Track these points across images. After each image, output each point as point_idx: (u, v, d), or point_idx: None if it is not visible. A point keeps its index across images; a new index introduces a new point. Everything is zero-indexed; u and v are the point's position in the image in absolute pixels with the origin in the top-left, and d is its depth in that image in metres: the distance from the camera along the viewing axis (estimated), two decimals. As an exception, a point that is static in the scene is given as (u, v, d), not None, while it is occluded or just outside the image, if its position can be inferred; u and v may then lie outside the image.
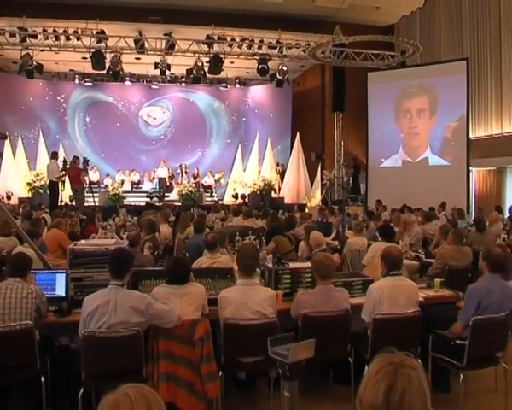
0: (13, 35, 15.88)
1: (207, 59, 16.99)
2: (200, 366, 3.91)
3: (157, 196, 19.06)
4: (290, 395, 2.45)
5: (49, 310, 4.39)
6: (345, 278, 5.20)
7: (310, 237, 6.94)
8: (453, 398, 4.44)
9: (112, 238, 8.11)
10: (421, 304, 4.91)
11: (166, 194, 20.30)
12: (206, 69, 17.33)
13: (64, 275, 4.73)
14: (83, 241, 5.52)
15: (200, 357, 3.91)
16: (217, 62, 16.73)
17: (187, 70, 17.92)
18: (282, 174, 22.33)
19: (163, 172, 21.26)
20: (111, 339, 3.74)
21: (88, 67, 17.78)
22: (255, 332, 3.97)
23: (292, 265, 5.17)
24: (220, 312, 4.17)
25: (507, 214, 12.95)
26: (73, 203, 15.01)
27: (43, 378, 3.99)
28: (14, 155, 19.40)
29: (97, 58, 15.85)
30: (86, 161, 14.92)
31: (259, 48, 17.67)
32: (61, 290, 4.69)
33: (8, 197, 17.96)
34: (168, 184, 21.14)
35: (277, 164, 22.80)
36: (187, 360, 3.90)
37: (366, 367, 4.10)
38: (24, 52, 16.22)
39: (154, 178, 21.65)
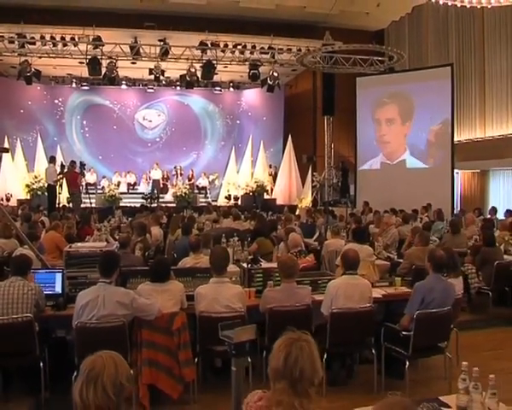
0: (11, 41, 16.40)
1: (201, 64, 17.54)
2: (178, 353, 4.51)
3: (151, 198, 19.58)
4: (236, 369, 3.08)
5: (47, 305, 4.98)
6: (312, 277, 5.76)
7: (288, 239, 7.52)
8: (406, 384, 4.96)
9: (106, 240, 8.64)
10: (380, 300, 5.52)
11: (161, 195, 20.87)
12: (199, 74, 17.87)
13: (61, 274, 5.31)
14: (78, 243, 6.10)
15: (178, 345, 4.51)
16: (209, 68, 17.28)
17: (180, 75, 18.48)
18: (274, 176, 22.88)
19: (157, 174, 21.84)
20: (100, 329, 4.31)
21: (85, 72, 18.22)
22: (225, 324, 4.55)
23: (264, 265, 5.76)
24: (196, 306, 4.77)
25: (487, 215, 13.48)
26: (70, 205, 15.53)
27: (41, 364, 4.57)
28: (13, 158, 19.90)
29: (94, 65, 16.40)
30: (83, 165, 15.45)
31: (252, 53, 18.17)
32: (58, 288, 5.26)
33: (8, 199, 18.47)
34: (162, 185, 21.70)
35: (270, 166, 23.36)
36: (166, 348, 4.50)
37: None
38: (22, 59, 16.76)
39: (150, 178, 22.22)
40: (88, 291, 4.45)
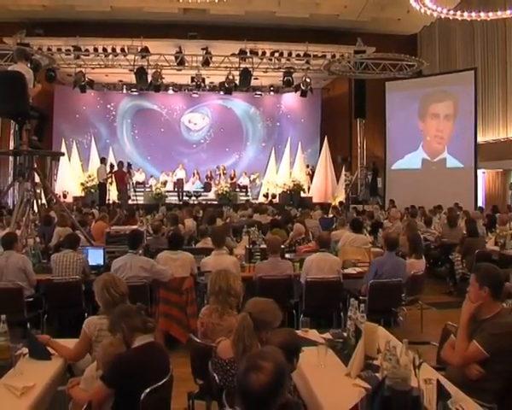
0: (68, 53, 18.18)
1: (239, 71, 18.88)
2: (187, 308, 5.95)
3: (187, 196, 21.09)
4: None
5: (91, 273, 6.54)
6: (302, 257, 7.09)
7: (293, 228, 8.88)
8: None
9: (147, 230, 10.14)
10: (353, 275, 6.79)
11: (204, 193, 22.41)
12: (237, 81, 19.23)
13: (102, 250, 6.88)
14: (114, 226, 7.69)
15: (186, 302, 5.96)
16: (246, 76, 18.57)
17: (220, 82, 19.93)
18: (311, 176, 24.04)
19: (181, 174, 23.27)
20: (128, 287, 5.66)
21: (134, 78, 19.55)
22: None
23: (262, 246, 7.16)
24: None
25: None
26: (119, 202, 17.24)
27: (86, 315, 6.09)
28: (69, 159, 21.78)
29: (140, 74, 18.02)
30: (129, 166, 17.10)
31: (288, 60, 19.31)
32: (100, 260, 6.84)
33: (64, 196, 20.30)
34: (205, 184, 23.25)
35: (307, 166, 24.49)
36: (177, 304, 5.96)
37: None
38: (77, 69, 18.57)
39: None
40: (120, 259, 6.01)
